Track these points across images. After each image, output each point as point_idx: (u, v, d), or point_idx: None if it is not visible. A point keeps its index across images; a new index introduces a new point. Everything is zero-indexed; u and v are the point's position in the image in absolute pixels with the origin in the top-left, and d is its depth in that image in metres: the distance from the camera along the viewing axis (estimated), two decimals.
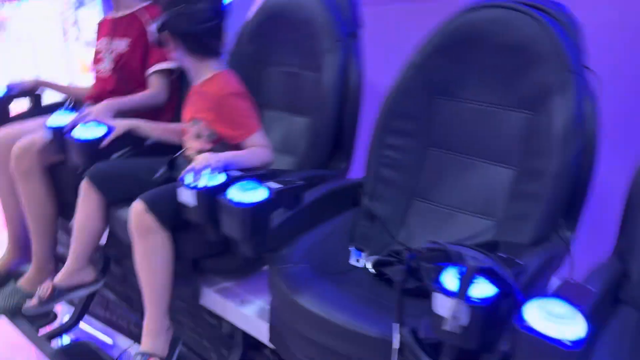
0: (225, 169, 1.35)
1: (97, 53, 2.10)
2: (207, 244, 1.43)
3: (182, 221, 1.40)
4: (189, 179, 1.31)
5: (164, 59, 1.96)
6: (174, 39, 1.52)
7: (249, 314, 1.45)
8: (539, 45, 1.32)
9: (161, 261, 1.41)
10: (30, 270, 1.93)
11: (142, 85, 2.02)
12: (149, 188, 1.57)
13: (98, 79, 2.09)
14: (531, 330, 0.82)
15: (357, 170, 1.68)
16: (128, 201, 1.56)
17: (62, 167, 1.86)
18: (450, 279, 0.93)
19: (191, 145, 1.62)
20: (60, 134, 1.72)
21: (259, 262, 1.57)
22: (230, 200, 1.21)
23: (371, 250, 1.44)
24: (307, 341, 1.17)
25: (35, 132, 1.90)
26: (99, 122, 1.67)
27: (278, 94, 1.87)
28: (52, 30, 3.24)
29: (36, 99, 2.21)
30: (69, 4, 3.07)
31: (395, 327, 1.00)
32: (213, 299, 1.53)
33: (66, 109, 1.79)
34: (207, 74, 1.58)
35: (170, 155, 1.69)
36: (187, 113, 1.63)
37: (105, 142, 1.65)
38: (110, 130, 1.66)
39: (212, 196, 1.27)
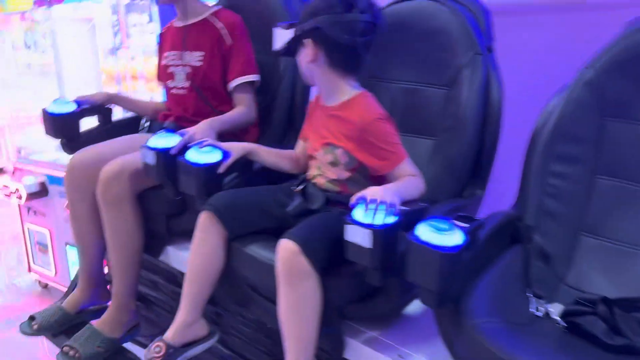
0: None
1: (165, 67, 1.90)
2: (357, 287, 1.23)
3: (334, 263, 1.19)
4: (359, 215, 1.11)
5: (247, 70, 1.79)
6: (319, 49, 1.32)
7: None
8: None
9: (311, 311, 1.21)
10: (109, 311, 1.72)
11: (225, 100, 1.83)
12: (277, 222, 1.39)
13: (173, 95, 1.90)
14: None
15: None
16: (252, 236, 1.37)
17: (153, 195, 1.65)
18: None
19: (322, 172, 1.41)
20: (166, 158, 1.50)
21: (401, 306, 1.38)
22: (429, 244, 1.01)
23: (550, 296, 1.25)
24: None
25: (119, 155, 1.69)
26: (214, 145, 1.46)
27: (395, 113, 1.66)
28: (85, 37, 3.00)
29: (105, 115, 1.99)
30: (113, 7, 2.84)
31: None
32: (361, 352, 1.32)
33: (167, 130, 1.57)
34: (345, 94, 1.38)
35: (289, 183, 1.49)
36: (317, 137, 1.43)
37: (223, 168, 1.44)
38: (226, 154, 1.45)
39: (394, 237, 1.07)
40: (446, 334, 1.17)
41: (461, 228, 1.05)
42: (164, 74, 1.92)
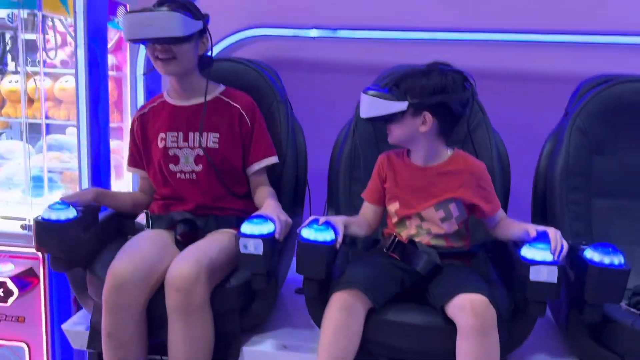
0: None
1: (165, 150, 1.70)
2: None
3: None
4: (545, 255, 1.28)
5: (268, 152, 1.76)
6: (435, 119, 1.44)
7: None
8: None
9: (497, 354, 1.30)
10: None
11: (241, 181, 1.76)
12: (403, 285, 1.45)
13: (180, 181, 1.70)
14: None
15: None
16: (391, 304, 1.40)
17: (220, 292, 1.49)
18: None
19: (426, 230, 1.52)
20: (274, 245, 1.39)
21: None
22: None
23: None
24: None
25: (159, 259, 1.48)
26: (327, 223, 1.42)
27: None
28: None
29: (94, 215, 1.66)
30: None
31: None
32: None
33: (253, 217, 1.45)
34: (444, 154, 1.52)
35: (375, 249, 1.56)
36: (423, 197, 1.51)
37: (339, 244, 1.42)
38: (335, 230, 1.43)
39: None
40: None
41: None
42: (162, 158, 1.71)
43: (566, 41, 2.25)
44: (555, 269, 1.27)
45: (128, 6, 2.52)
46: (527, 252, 1.32)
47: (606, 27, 2.26)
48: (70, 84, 2.46)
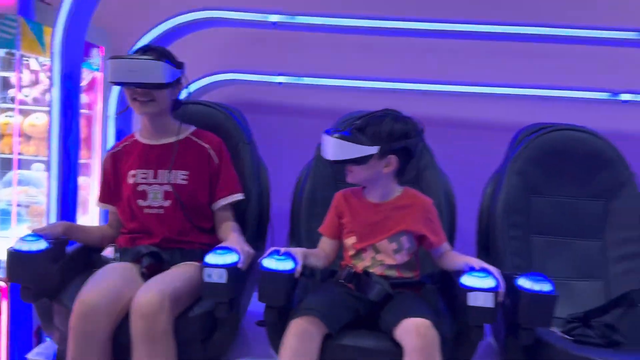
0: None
1: (134, 186, 1.79)
2: None
3: None
4: (482, 283, 1.42)
5: (235, 189, 1.87)
6: (398, 160, 1.59)
7: None
8: None
9: None
10: None
11: (207, 217, 1.85)
12: (356, 313, 1.56)
13: (147, 215, 1.78)
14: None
15: None
16: (345, 330, 1.51)
17: (183, 321, 1.56)
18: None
19: (380, 261, 1.64)
20: (237, 274, 1.50)
21: None
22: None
23: None
24: None
25: (125, 289, 1.55)
26: (287, 253, 1.53)
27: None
28: None
29: (62, 248, 1.72)
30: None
31: None
32: None
33: (219, 248, 1.55)
34: (396, 191, 1.67)
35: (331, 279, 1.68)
36: (378, 230, 1.65)
37: (298, 273, 1.53)
38: (295, 260, 1.54)
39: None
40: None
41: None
42: (132, 193, 1.80)
43: (507, 93, 2.49)
44: (491, 295, 1.41)
45: (104, 48, 2.65)
46: (466, 280, 1.46)
47: (541, 82, 2.53)
48: (41, 121, 2.55)
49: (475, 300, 1.41)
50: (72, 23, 2.12)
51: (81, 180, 2.43)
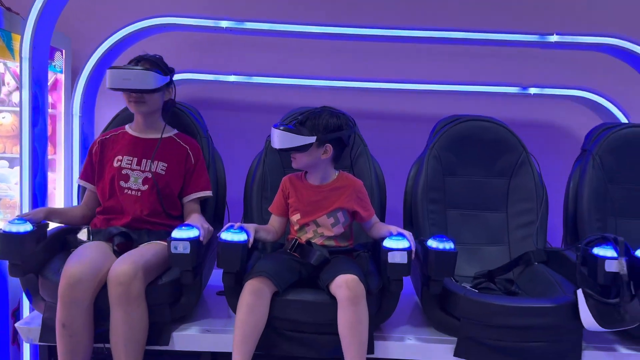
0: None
1: (119, 169, 2.08)
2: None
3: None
4: (399, 244, 1.77)
5: (206, 187, 2.17)
6: (333, 149, 1.91)
7: None
8: None
9: (366, 320, 1.77)
10: None
11: (176, 206, 2.14)
12: (300, 275, 1.89)
13: (126, 196, 2.07)
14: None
15: None
16: (291, 289, 1.83)
17: (154, 289, 1.85)
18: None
19: (320, 234, 1.97)
20: (199, 245, 1.80)
21: None
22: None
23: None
24: None
25: (102, 261, 1.83)
26: (241, 227, 1.84)
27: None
28: None
29: (43, 230, 1.96)
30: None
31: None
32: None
33: (181, 226, 1.83)
34: (333, 175, 2.00)
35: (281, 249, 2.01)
36: (318, 208, 1.95)
37: (250, 243, 1.84)
38: (248, 233, 1.85)
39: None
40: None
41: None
42: (116, 175, 2.06)
43: (429, 89, 2.87)
44: (405, 253, 1.77)
45: (64, 52, 2.86)
46: (386, 242, 1.81)
47: (460, 79, 2.92)
48: (7, 120, 2.75)
49: (393, 258, 1.76)
50: (39, 30, 2.34)
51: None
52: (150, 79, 1.99)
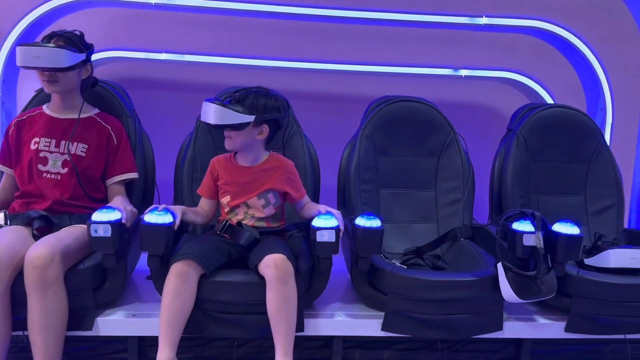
0: None
1: (36, 152, 1.98)
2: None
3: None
4: (327, 223, 1.78)
5: (131, 169, 2.10)
6: (269, 130, 1.88)
7: None
8: None
9: (295, 298, 1.78)
10: None
11: (98, 188, 2.06)
12: (229, 255, 1.88)
13: (44, 179, 1.97)
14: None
15: None
16: (218, 271, 1.82)
17: (74, 273, 1.79)
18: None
19: (251, 215, 1.95)
20: (121, 228, 1.75)
21: None
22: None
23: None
24: None
25: (18, 245, 1.76)
26: (166, 209, 1.80)
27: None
28: None
29: None
30: None
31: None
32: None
33: (102, 208, 1.77)
34: (264, 155, 1.97)
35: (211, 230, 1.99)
36: (248, 189, 1.92)
37: (177, 225, 1.80)
38: (174, 215, 1.82)
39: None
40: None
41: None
42: (34, 157, 1.96)
43: (363, 71, 2.88)
44: (333, 231, 1.78)
45: None
46: (315, 221, 1.82)
47: (394, 61, 2.95)
48: None
49: (322, 236, 1.77)
50: None
51: None
52: (62, 57, 1.88)
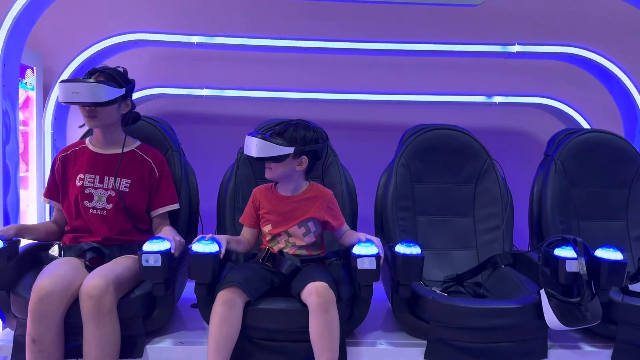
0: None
1: (82, 189, 2.06)
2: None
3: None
4: (367, 251, 1.81)
5: (172, 200, 2.17)
6: (308, 161, 1.95)
7: None
8: None
9: (337, 326, 1.80)
10: None
11: (144, 220, 2.13)
12: (272, 284, 1.93)
13: (92, 215, 2.05)
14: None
15: None
16: (263, 298, 1.86)
17: (125, 302, 1.86)
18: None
19: (292, 243, 2.00)
20: (170, 258, 1.82)
21: None
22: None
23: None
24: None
25: (74, 276, 1.84)
26: (212, 238, 1.87)
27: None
28: None
29: (14, 247, 1.95)
30: None
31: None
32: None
33: (153, 239, 1.85)
34: (304, 185, 2.03)
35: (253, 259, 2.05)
36: (290, 218, 1.98)
37: (222, 254, 1.87)
38: (219, 244, 1.88)
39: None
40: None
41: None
42: (79, 194, 2.05)
43: (398, 100, 2.95)
44: (374, 259, 1.81)
45: (35, 69, 2.87)
46: (355, 249, 1.86)
47: (428, 90, 3.00)
48: None
49: (363, 264, 1.81)
50: (8, 48, 2.35)
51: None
52: (100, 92, 1.95)
